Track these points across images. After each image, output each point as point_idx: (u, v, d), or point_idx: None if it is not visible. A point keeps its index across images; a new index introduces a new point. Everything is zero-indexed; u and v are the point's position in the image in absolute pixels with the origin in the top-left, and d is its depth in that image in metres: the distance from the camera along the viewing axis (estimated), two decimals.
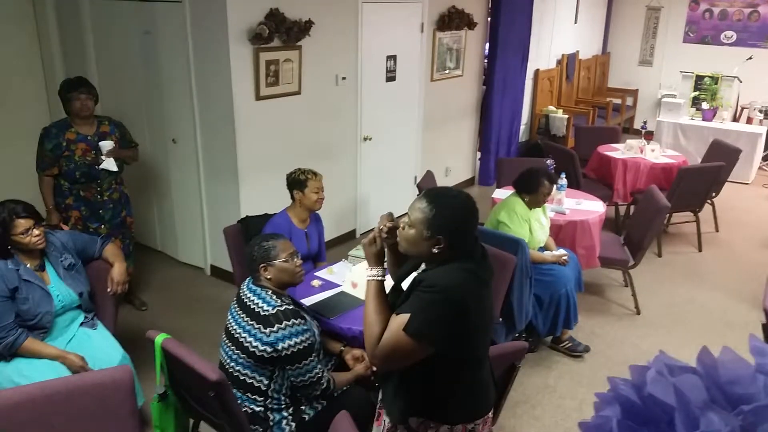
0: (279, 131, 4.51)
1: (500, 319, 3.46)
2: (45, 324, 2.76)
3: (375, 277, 1.86)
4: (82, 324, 2.93)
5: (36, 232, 2.75)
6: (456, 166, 6.78)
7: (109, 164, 3.78)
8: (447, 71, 6.15)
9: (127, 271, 4.05)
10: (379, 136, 5.46)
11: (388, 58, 5.38)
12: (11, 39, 4.96)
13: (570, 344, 3.88)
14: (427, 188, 1.91)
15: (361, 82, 5.12)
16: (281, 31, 4.21)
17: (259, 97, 4.26)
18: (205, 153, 4.44)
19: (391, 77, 5.47)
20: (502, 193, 4.51)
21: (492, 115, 6.86)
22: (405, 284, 1.91)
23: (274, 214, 3.51)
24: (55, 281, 2.86)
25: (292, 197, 3.43)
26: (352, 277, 3.11)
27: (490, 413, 2.01)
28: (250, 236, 3.31)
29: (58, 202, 3.80)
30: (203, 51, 4.17)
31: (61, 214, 3.80)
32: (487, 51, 6.80)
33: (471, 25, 6.20)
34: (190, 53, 4.22)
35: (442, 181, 5.80)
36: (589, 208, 4.40)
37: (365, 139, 5.33)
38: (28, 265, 2.78)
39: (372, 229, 1.96)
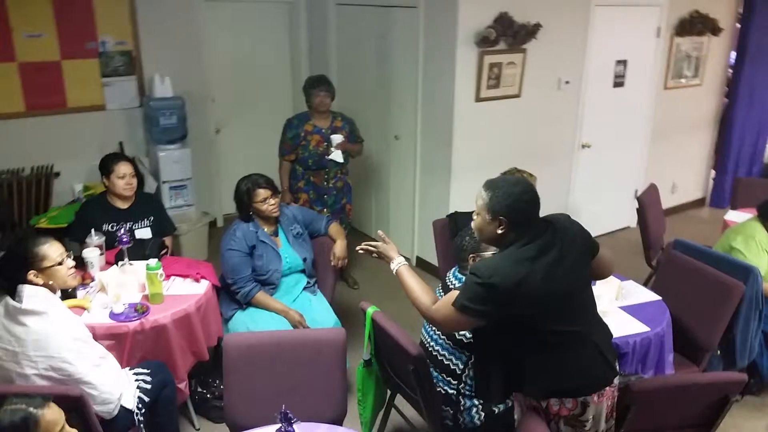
0: (494, 133, 4.58)
1: (718, 351, 3.14)
2: (274, 280, 3.21)
3: (400, 264, 2.30)
4: (304, 288, 3.34)
5: (272, 201, 3.21)
6: (684, 182, 6.24)
7: (337, 156, 4.18)
8: (683, 79, 5.69)
9: None
10: (599, 144, 5.25)
11: (618, 62, 5.15)
12: (271, 44, 5.74)
13: None
14: (487, 180, 2.12)
15: (585, 87, 4.98)
16: (508, 35, 4.27)
17: (478, 99, 4.37)
18: (423, 150, 4.68)
19: (619, 83, 5.22)
20: (735, 216, 4.05)
21: (733, 130, 6.19)
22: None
23: None
24: (285, 245, 3.31)
25: None
26: None
27: (600, 392, 2.07)
28: (457, 231, 3.42)
29: (291, 184, 4.31)
30: (432, 53, 4.40)
31: (292, 195, 4.30)
32: (732, 59, 6.14)
33: (715, 30, 5.66)
34: (420, 55, 4.47)
35: (666, 199, 5.36)
36: None
37: (584, 146, 5.16)
38: (265, 230, 3.26)
39: None
